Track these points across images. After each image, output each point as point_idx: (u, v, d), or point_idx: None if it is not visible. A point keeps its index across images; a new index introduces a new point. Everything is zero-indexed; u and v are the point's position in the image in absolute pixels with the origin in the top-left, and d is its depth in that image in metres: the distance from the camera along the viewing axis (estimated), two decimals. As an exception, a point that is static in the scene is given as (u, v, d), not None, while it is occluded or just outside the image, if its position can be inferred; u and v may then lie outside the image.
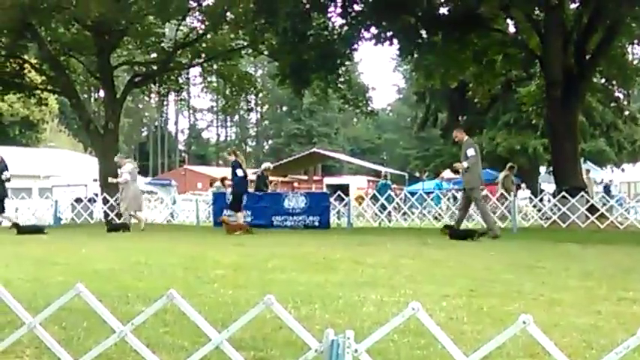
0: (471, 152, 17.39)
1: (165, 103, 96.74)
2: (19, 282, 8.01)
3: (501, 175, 26.63)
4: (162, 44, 32.03)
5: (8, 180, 22.69)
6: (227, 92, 36.40)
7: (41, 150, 62.68)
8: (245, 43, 31.49)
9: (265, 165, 27.04)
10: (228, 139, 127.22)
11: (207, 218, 27.45)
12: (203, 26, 30.93)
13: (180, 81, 36.77)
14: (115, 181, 22.10)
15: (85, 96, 37.22)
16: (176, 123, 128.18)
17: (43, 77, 32.84)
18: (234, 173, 21.25)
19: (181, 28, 31.37)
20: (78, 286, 3.02)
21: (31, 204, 32.98)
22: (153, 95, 36.52)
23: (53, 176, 45.57)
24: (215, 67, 34.13)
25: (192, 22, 32.11)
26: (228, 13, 27.71)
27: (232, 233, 18.92)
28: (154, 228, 23.05)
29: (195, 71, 37.89)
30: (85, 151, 70.61)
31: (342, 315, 6.68)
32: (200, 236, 18.35)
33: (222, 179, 29.36)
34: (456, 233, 16.64)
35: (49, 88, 33.31)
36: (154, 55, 33.67)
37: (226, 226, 19.77)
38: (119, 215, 23.29)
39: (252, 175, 28.00)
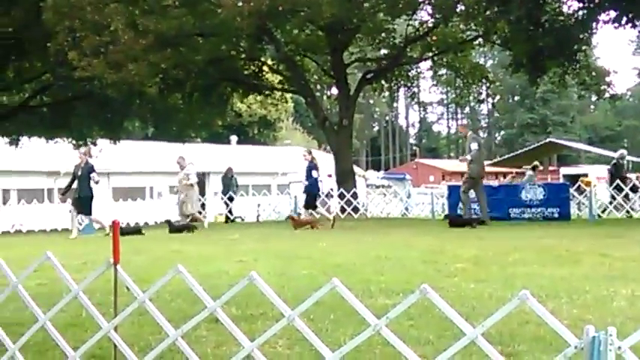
0: (474, 146, 19.29)
1: (395, 97, 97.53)
2: (268, 276, 8.34)
3: None
4: (393, 40, 32.27)
5: None
6: (458, 84, 36.18)
7: (278, 148, 65.38)
8: (476, 34, 31.10)
9: (620, 152, 26.66)
10: (459, 131, 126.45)
11: (443, 211, 27.38)
12: (433, 20, 30.82)
13: (411, 75, 36.90)
14: (189, 183, 22.18)
15: (318, 94, 38.15)
16: (406, 117, 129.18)
17: (280, 78, 34.23)
18: (309, 174, 22.08)
19: (411, 22, 31.45)
20: (333, 280, 3.08)
21: (272, 200, 34.38)
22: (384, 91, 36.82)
23: (290, 172, 47.30)
24: (445, 59, 33.98)
25: (422, 17, 32.09)
26: (458, 5, 27.43)
27: (300, 228, 19.22)
28: (389, 222, 23.30)
29: (425, 65, 37.88)
30: (319, 147, 72.81)
31: (590, 310, 6.45)
32: (437, 229, 18.31)
33: (534, 167, 29.53)
34: (454, 221, 18.70)
35: (285, 87, 34.68)
36: (385, 51, 34.06)
37: (293, 222, 20.31)
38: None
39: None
